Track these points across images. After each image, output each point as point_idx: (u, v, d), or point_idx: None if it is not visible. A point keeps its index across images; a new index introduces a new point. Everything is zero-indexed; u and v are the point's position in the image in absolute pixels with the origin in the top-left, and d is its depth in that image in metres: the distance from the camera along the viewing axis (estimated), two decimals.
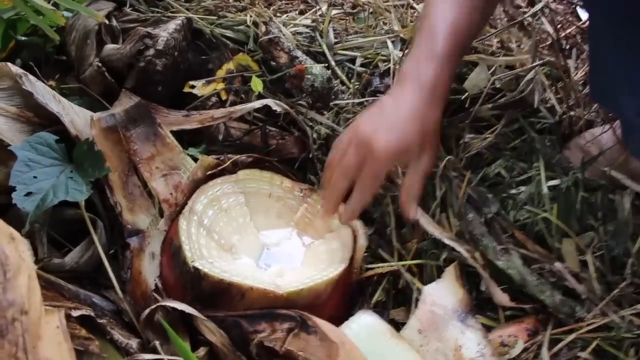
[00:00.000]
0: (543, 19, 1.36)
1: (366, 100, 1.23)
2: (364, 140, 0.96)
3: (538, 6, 1.34)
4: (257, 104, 1.20)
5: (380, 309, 1.07)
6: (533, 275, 1.05)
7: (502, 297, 1.03)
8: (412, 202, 1.02)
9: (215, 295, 0.94)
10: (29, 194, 0.97)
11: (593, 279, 1.05)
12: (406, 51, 1.30)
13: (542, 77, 1.25)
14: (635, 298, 1.04)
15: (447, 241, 1.05)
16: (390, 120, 0.95)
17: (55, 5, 1.25)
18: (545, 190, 1.12)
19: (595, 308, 1.02)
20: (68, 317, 0.77)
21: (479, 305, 1.06)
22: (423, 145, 0.98)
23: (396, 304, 1.08)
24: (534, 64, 1.25)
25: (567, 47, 1.43)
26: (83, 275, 1.03)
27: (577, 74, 1.38)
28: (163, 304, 0.93)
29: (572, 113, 1.26)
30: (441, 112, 1.00)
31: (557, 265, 1.06)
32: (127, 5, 1.38)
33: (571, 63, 1.40)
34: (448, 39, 0.96)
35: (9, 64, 1.10)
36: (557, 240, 1.09)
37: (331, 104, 1.24)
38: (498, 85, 1.26)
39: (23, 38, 1.30)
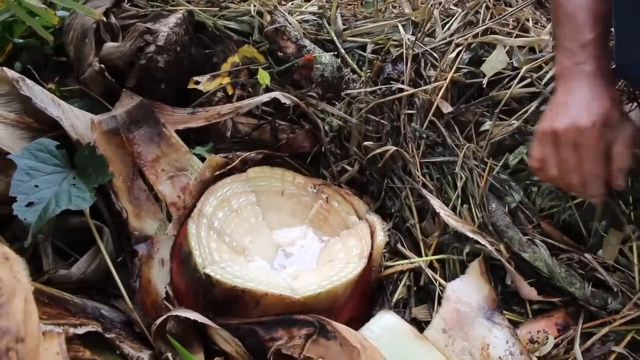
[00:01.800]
0: None
1: (379, 89, 1.17)
2: (568, 132, 0.92)
3: None
4: (265, 97, 1.15)
5: (402, 308, 1.03)
6: (561, 266, 1.00)
7: (529, 291, 0.98)
8: (619, 172, 0.93)
9: (229, 302, 0.90)
10: (30, 204, 0.93)
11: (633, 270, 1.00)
12: (419, 35, 1.24)
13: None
14: None
15: (469, 234, 1.00)
16: (580, 106, 0.93)
17: (52, 5, 1.20)
18: None
19: (631, 300, 0.97)
20: (71, 338, 0.73)
21: (505, 300, 1.02)
22: (619, 115, 0.93)
23: (418, 301, 1.04)
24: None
25: None
26: (91, 285, 1.00)
27: None
28: (174, 313, 0.88)
29: None
30: (614, 90, 0.97)
31: (588, 256, 1.01)
32: (126, 1, 1.33)
33: None
34: (590, 24, 0.94)
35: (5, 68, 1.06)
36: (584, 228, 1.04)
37: (342, 94, 1.19)
38: (516, 65, 1.19)
39: (20, 41, 1.26)
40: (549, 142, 0.95)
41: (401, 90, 1.15)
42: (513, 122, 1.12)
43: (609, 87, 0.95)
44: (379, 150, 1.12)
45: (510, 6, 1.34)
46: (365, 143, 1.14)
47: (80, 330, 0.77)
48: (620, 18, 1.01)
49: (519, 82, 1.14)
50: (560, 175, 0.95)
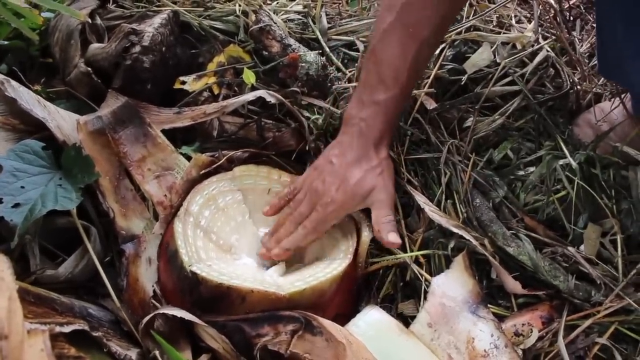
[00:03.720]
0: None
1: None
2: (315, 193, 1.01)
3: None
4: (250, 96, 1.15)
5: (388, 303, 1.04)
6: (545, 260, 1.01)
7: (514, 285, 0.99)
8: (387, 232, 1.01)
9: (215, 299, 0.91)
10: (16, 205, 0.93)
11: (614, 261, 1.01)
12: None
13: (545, 52, 1.20)
14: None
15: (454, 229, 1.01)
16: (338, 172, 1.01)
17: (36, 6, 1.20)
18: (558, 170, 1.07)
19: (613, 292, 0.98)
20: (57, 335, 0.74)
21: (491, 294, 1.03)
22: (372, 184, 1.01)
23: (404, 296, 1.05)
24: (536, 39, 1.20)
25: (571, 18, 1.37)
26: (79, 285, 1.00)
27: (582, 46, 1.33)
28: (161, 311, 0.89)
29: (578, 87, 1.20)
30: (389, 149, 1.05)
31: (571, 249, 1.02)
32: (111, 2, 1.33)
33: (576, 35, 1.34)
34: (395, 86, 0.98)
35: None
36: (569, 221, 1.05)
37: (332, 89, 1.19)
38: (499, 62, 1.20)
39: (5, 42, 1.26)
40: (301, 189, 1.05)
41: None
42: (497, 117, 1.14)
43: (381, 151, 1.03)
44: None
45: (494, 3, 1.36)
46: None
47: (67, 329, 0.77)
48: (601, 21, 1.03)
49: (501, 79, 1.15)
50: (288, 215, 1.04)
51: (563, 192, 1.06)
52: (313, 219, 1.00)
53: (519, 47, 1.22)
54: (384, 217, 1.02)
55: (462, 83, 1.19)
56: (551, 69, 1.21)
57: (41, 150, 1.01)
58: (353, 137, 1.01)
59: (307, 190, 1.03)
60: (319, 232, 1.01)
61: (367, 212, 1.07)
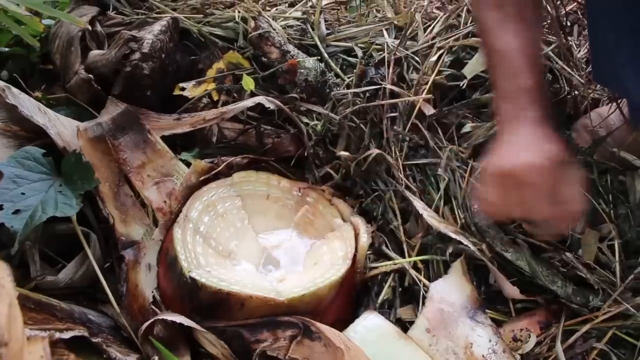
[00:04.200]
0: None
1: (364, 92, 1.18)
2: (514, 175, 0.89)
3: None
4: (249, 102, 1.16)
5: (387, 309, 1.04)
6: (543, 265, 1.01)
7: (512, 290, 1.00)
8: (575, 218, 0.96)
9: (214, 305, 0.91)
10: (17, 211, 0.94)
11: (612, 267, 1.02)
12: (401, 39, 1.25)
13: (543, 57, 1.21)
14: None
15: (452, 235, 1.01)
16: (533, 147, 0.89)
17: (37, 14, 1.21)
18: None
19: (611, 297, 0.98)
20: (56, 342, 0.74)
21: (489, 299, 1.03)
22: (562, 159, 0.90)
23: (403, 302, 1.05)
24: None
25: (568, 24, 1.38)
26: (79, 291, 1.00)
27: (579, 51, 1.33)
28: (160, 317, 0.89)
29: (576, 92, 1.21)
30: (558, 136, 0.93)
31: (569, 255, 1.02)
32: (111, 9, 1.34)
33: (573, 40, 1.35)
34: (528, 69, 0.91)
35: None
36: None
37: (331, 94, 1.20)
38: None
39: (6, 49, 1.26)
40: (506, 182, 0.90)
41: (392, 93, 1.16)
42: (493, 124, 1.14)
43: (553, 133, 0.91)
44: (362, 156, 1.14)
45: None
46: (342, 153, 1.14)
47: (66, 335, 0.78)
48: (593, 29, 1.03)
49: None
50: (523, 214, 0.92)
51: None
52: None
53: None
54: None
55: (461, 89, 1.20)
56: (549, 75, 1.22)
57: (41, 157, 1.02)
58: (527, 131, 0.91)
59: None
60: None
61: (365, 216, 1.08)
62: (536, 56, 0.94)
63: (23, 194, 0.96)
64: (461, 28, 1.27)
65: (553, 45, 1.23)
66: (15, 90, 1.07)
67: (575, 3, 1.41)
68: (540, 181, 0.88)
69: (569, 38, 1.31)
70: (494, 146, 0.93)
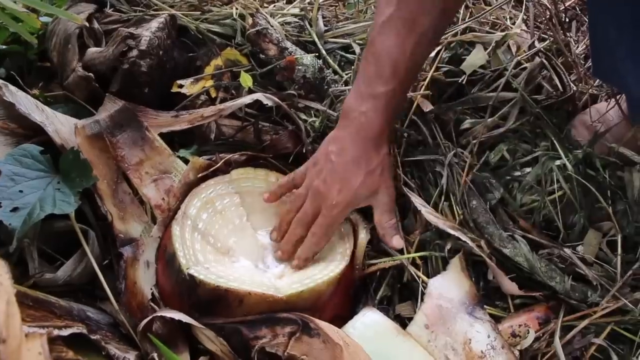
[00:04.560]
0: None
1: None
2: (318, 194, 1.01)
3: None
4: (247, 99, 1.16)
5: (386, 305, 1.04)
6: (542, 261, 1.01)
7: (510, 286, 1.00)
8: (390, 236, 1.04)
9: (213, 302, 0.91)
10: (15, 209, 0.94)
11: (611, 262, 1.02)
12: None
13: (541, 54, 1.21)
14: None
15: (450, 231, 1.01)
16: (338, 172, 1.00)
17: (34, 11, 1.21)
18: (555, 170, 1.08)
19: (609, 292, 0.99)
20: (55, 338, 0.74)
21: (487, 295, 1.03)
22: (375, 186, 1.02)
23: (402, 298, 1.05)
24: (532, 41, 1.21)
25: (566, 19, 1.38)
26: (78, 288, 1.00)
27: (577, 47, 1.33)
28: (159, 314, 0.89)
29: (574, 89, 1.21)
30: (389, 146, 1.04)
31: (567, 250, 1.02)
32: (108, 6, 1.34)
33: (571, 36, 1.35)
34: (392, 79, 0.96)
35: None
36: (565, 222, 1.06)
37: (329, 91, 1.20)
38: (494, 64, 1.21)
39: (3, 47, 1.26)
40: (302, 190, 1.04)
41: None
42: (496, 121, 1.14)
43: (381, 147, 1.02)
44: None
45: (490, 5, 1.36)
46: None
47: (65, 332, 0.78)
48: (594, 24, 1.03)
49: (496, 80, 1.15)
50: (290, 211, 1.04)
51: (559, 193, 1.06)
52: (321, 224, 1.01)
53: (513, 47, 1.22)
54: (387, 221, 1.04)
55: (459, 83, 1.20)
56: (547, 71, 1.21)
57: (39, 154, 1.02)
58: (352, 132, 1.00)
59: (309, 188, 1.03)
60: (329, 236, 1.03)
61: (364, 213, 1.08)
62: (406, 62, 0.96)
63: (21, 191, 0.96)
64: (459, 24, 1.27)
65: (551, 41, 1.23)
66: (12, 87, 1.07)
67: None
68: (333, 210, 1.00)
69: (568, 34, 1.31)
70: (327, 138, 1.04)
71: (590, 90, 1.23)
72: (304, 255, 1.01)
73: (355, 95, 1.00)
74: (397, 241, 1.03)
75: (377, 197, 1.03)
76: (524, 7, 1.31)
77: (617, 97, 1.16)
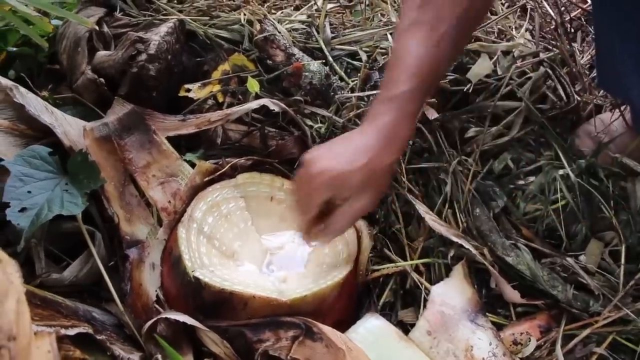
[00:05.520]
0: (545, 2, 1.32)
1: (367, 95, 1.19)
2: (306, 164, 0.93)
3: None
4: (254, 104, 1.17)
5: (388, 311, 1.05)
6: (544, 270, 1.02)
7: (512, 294, 1.01)
8: (326, 235, 0.96)
9: (218, 304, 0.92)
10: (23, 209, 0.95)
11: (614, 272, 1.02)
12: None
13: (546, 63, 1.22)
14: None
15: (453, 238, 1.02)
16: (337, 151, 0.93)
17: (45, 14, 1.22)
18: (558, 179, 1.09)
19: (611, 302, 0.99)
20: (62, 337, 0.75)
21: (490, 303, 1.04)
22: (366, 184, 0.91)
23: (405, 304, 1.06)
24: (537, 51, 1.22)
25: (572, 30, 1.39)
26: (83, 289, 1.01)
27: (582, 57, 1.34)
28: (164, 316, 0.90)
29: (578, 99, 1.22)
30: (397, 157, 0.95)
31: (569, 260, 1.03)
32: (118, 10, 1.36)
33: (576, 47, 1.36)
34: (411, 80, 0.92)
35: None
36: (568, 231, 1.07)
37: (335, 98, 1.21)
38: (500, 73, 1.22)
39: (14, 49, 1.28)
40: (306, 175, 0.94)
41: None
42: (501, 129, 1.15)
43: (390, 153, 0.92)
44: None
45: (496, 14, 1.37)
46: None
47: (72, 332, 0.79)
48: (599, 36, 1.04)
49: (500, 89, 1.16)
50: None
51: (562, 202, 1.07)
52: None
53: (518, 56, 1.23)
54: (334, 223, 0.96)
55: (466, 93, 1.21)
56: (551, 81, 1.22)
57: (48, 155, 1.03)
58: (367, 130, 0.94)
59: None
60: (310, 210, 0.95)
61: (368, 220, 1.09)
62: (429, 72, 0.93)
63: (29, 192, 0.97)
64: None
65: (555, 52, 1.24)
66: (22, 89, 1.09)
67: (580, 10, 1.42)
68: (314, 181, 0.91)
69: (573, 44, 1.32)
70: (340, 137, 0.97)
71: (595, 100, 1.24)
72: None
73: (376, 99, 0.96)
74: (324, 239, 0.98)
75: (361, 196, 0.93)
76: (528, 16, 1.32)
77: (622, 107, 1.16)
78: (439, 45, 0.91)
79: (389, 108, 0.92)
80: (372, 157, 0.90)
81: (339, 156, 0.91)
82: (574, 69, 1.24)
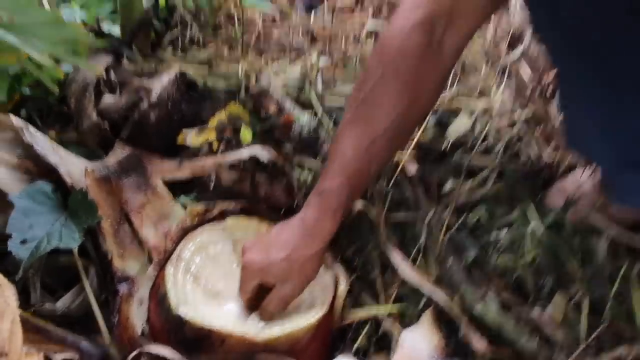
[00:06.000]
0: (523, 63, 1.40)
1: None
2: (242, 252, 1.05)
3: (517, 52, 1.39)
4: (246, 153, 1.24)
5: (362, 355, 1.09)
6: (511, 321, 1.07)
7: (479, 344, 1.05)
8: (262, 316, 1.05)
9: (198, 340, 0.98)
10: (24, 241, 1.02)
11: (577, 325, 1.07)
12: None
13: (522, 123, 1.30)
14: (615, 341, 1.06)
15: (425, 289, 1.08)
16: (266, 243, 1.03)
17: (57, 60, 1.31)
18: (527, 235, 1.15)
19: (574, 353, 1.04)
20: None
21: (459, 351, 1.08)
22: (288, 274, 1.01)
23: (378, 349, 1.10)
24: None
25: (548, 89, 1.47)
26: (74, 320, 1.07)
27: (558, 117, 1.41)
28: (145, 350, 0.96)
29: (552, 157, 1.29)
30: (319, 248, 1.01)
31: (535, 312, 1.08)
32: (125, 58, 1.45)
33: (552, 106, 1.43)
34: (337, 178, 0.97)
35: (11, 115, 1.16)
36: (533, 285, 1.12)
37: (320, 152, 1.29)
38: (479, 129, 1.30)
39: (27, 91, 1.37)
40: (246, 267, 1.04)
41: None
42: (475, 184, 1.22)
43: (311, 246, 1.00)
44: None
45: (476, 70, 1.46)
46: None
47: (59, 357, 0.85)
48: (565, 98, 1.10)
49: (478, 145, 1.24)
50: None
51: (530, 256, 1.13)
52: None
53: (495, 115, 1.31)
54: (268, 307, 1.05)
55: (444, 148, 1.28)
56: (526, 138, 1.30)
57: (51, 192, 1.10)
58: (294, 222, 1.03)
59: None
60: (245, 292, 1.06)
61: (345, 265, 1.15)
62: (357, 163, 0.97)
63: (31, 225, 1.04)
64: (446, 91, 1.36)
65: (531, 111, 1.32)
66: (32, 129, 1.16)
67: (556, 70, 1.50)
68: (244, 270, 1.03)
69: (549, 104, 1.39)
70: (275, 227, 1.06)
71: (570, 158, 1.31)
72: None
73: (313, 191, 1.03)
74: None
75: (285, 284, 1.01)
76: (505, 77, 1.41)
77: (592, 166, 1.23)
78: (373, 144, 0.95)
79: (316, 202, 1.00)
80: (292, 250, 0.99)
81: (267, 247, 1.02)
82: (548, 128, 1.32)
